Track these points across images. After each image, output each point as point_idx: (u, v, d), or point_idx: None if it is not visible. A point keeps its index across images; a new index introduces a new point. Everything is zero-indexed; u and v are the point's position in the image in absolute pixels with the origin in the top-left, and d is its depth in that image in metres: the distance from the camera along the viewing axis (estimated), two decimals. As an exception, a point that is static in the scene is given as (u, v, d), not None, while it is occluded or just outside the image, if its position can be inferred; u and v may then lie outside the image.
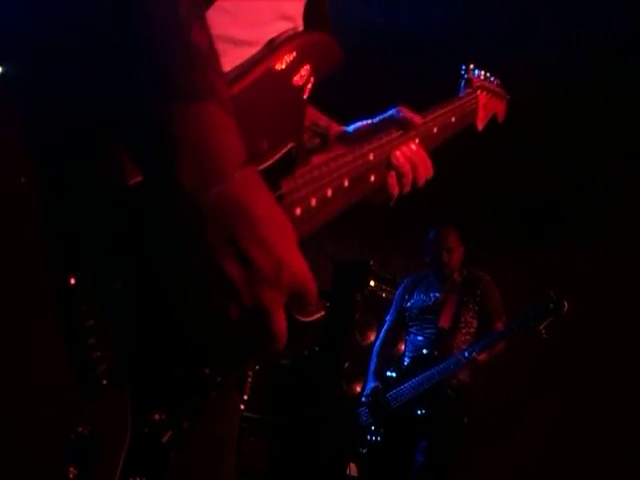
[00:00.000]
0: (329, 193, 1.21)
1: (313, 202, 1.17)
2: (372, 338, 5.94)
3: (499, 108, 1.97)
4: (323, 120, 1.52)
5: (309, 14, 1.31)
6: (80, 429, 0.92)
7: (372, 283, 6.31)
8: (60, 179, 0.89)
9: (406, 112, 1.48)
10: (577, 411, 6.26)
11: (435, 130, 1.53)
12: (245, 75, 1.10)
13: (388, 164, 1.41)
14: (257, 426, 5.75)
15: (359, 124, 1.51)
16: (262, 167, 1.10)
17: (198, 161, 0.86)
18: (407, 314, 5.11)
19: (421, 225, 5.51)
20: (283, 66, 1.16)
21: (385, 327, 5.30)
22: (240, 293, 0.90)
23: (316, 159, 1.22)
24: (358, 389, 5.69)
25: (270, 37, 1.16)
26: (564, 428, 6.27)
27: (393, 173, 1.43)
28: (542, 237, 6.95)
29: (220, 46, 1.09)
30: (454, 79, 1.88)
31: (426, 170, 1.50)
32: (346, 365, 6.00)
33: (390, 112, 1.50)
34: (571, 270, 6.49)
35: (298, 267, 0.95)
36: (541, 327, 4.30)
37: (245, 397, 1.42)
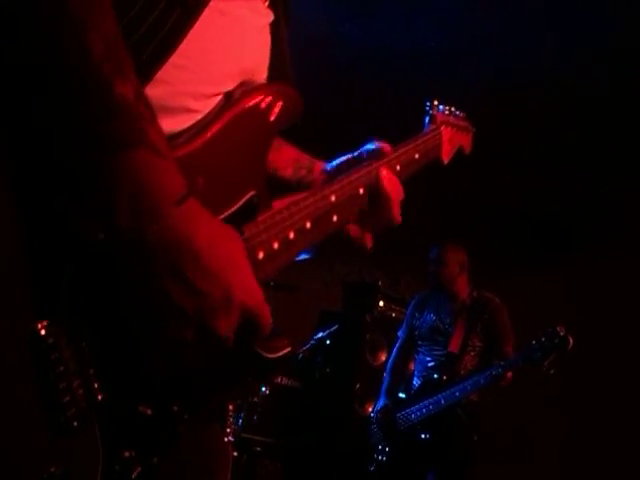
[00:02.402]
0: (291, 235, 1.26)
1: (275, 245, 1.23)
2: (383, 359, 5.97)
3: (464, 141, 2.02)
4: (305, 158, 1.57)
5: (272, 69, 1.37)
6: (52, 469, 0.98)
7: (381, 303, 6.36)
8: (31, 229, 0.96)
9: (379, 144, 1.54)
10: (589, 425, 6.24)
11: (398, 167, 1.57)
12: (211, 125, 1.15)
13: (370, 191, 1.46)
14: (271, 449, 5.77)
15: (338, 161, 1.55)
16: (224, 215, 1.16)
17: (133, 205, 0.92)
18: (417, 332, 5.15)
19: (430, 245, 5.55)
20: (262, 105, 1.22)
21: (398, 344, 5.33)
22: (193, 322, 0.96)
23: (278, 204, 1.27)
24: (370, 409, 5.70)
25: (228, 90, 1.21)
26: (577, 443, 6.25)
27: (357, 227, 1.47)
28: (550, 254, 6.96)
29: (179, 102, 1.16)
30: (445, 97, 1.95)
31: (400, 194, 1.53)
32: (357, 386, 6.03)
33: (366, 145, 1.56)
34: (579, 285, 6.50)
35: (249, 293, 1.01)
36: (546, 362, 4.32)
37: (228, 430, 1.47)
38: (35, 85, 0.90)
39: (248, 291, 1.01)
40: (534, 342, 4.39)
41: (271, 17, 1.38)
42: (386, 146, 1.55)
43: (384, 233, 1.53)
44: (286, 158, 1.51)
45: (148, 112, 0.97)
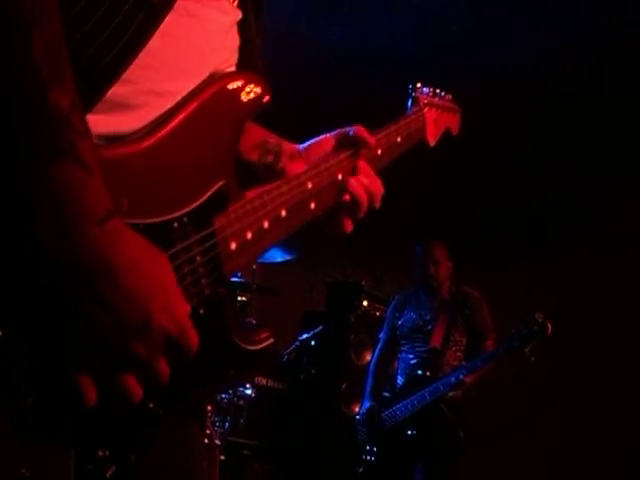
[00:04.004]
0: (266, 225, 1.23)
1: (249, 235, 1.20)
2: (368, 358, 5.96)
3: (452, 122, 1.97)
4: (272, 138, 1.51)
5: (241, 66, 1.35)
6: (23, 470, 0.95)
7: (365, 303, 6.36)
8: None
9: (361, 132, 1.49)
10: (577, 417, 6.27)
11: (380, 152, 1.54)
12: (174, 117, 1.13)
13: (339, 191, 1.42)
14: (258, 452, 5.76)
15: (312, 141, 1.51)
16: (192, 207, 1.13)
17: (53, 220, 0.89)
18: (398, 332, 5.14)
19: (412, 243, 5.55)
20: (230, 89, 1.20)
21: (379, 346, 5.33)
22: (108, 340, 0.92)
23: (250, 193, 1.24)
24: (357, 409, 5.69)
25: (194, 85, 1.19)
26: (564, 437, 6.27)
27: (345, 210, 1.43)
28: (529, 249, 6.99)
29: (143, 98, 1.14)
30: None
31: (378, 189, 1.48)
32: (343, 386, 6.03)
33: (345, 129, 1.51)
34: (560, 278, 6.53)
35: (171, 317, 0.97)
36: (526, 349, 4.34)
37: (207, 431, 1.44)
38: None
39: (170, 314, 0.97)
40: (513, 331, 4.42)
41: (239, 15, 1.36)
42: (361, 129, 1.50)
43: (362, 223, 1.50)
44: (252, 141, 1.44)
45: (81, 125, 0.94)
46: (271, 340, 1.27)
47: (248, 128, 1.40)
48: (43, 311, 0.92)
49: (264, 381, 5.86)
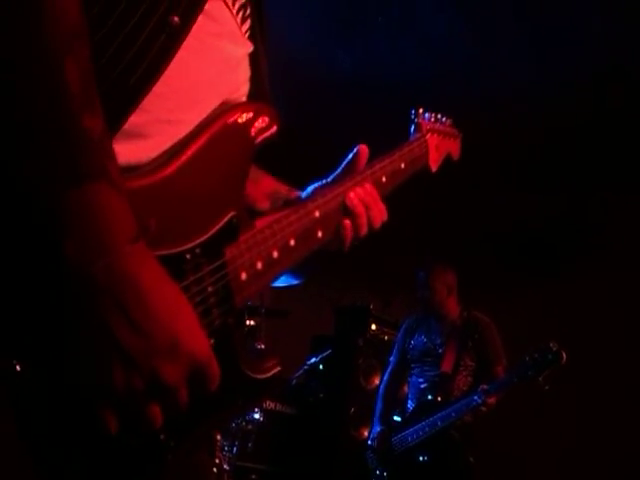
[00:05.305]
0: (275, 254, 1.25)
1: (259, 265, 1.21)
2: (376, 382, 5.94)
3: (453, 147, 2.01)
4: (283, 188, 1.55)
5: (251, 97, 1.37)
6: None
7: (374, 327, 6.35)
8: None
9: (360, 155, 1.53)
10: (586, 443, 6.21)
11: (384, 179, 1.56)
12: (187, 148, 1.14)
13: (342, 207, 1.45)
14: (266, 477, 5.72)
15: (312, 188, 1.53)
16: (204, 238, 1.14)
17: (84, 238, 0.90)
18: (409, 356, 5.13)
19: (419, 268, 5.54)
20: (241, 120, 1.22)
21: (389, 369, 5.31)
22: (137, 363, 0.91)
23: (260, 223, 1.26)
24: (365, 433, 5.68)
25: (205, 114, 1.20)
26: (573, 461, 6.21)
27: (346, 217, 1.45)
28: (538, 270, 6.97)
29: (156, 127, 1.15)
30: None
31: (380, 212, 1.52)
32: (352, 410, 6.00)
33: (346, 158, 1.55)
34: (569, 300, 6.50)
35: (197, 343, 0.96)
36: (540, 378, 4.30)
37: (217, 460, 1.44)
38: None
39: (196, 340, 0.97)
40: (527, 359, 4.37)
41: (250, 48, 1.38)
42: (363, 148, 1.54)
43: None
44: (264, 191, 1.49)
45: (111, 148, 0.96)
46: (278, 368, 1.28)
47: (260, 178, 1.43)
48: (71, 332, 0.91)
49: (272, 405, 5.84)
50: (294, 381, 6.16)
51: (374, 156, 1.58)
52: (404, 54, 5.29)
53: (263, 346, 4.88)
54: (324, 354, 6.15)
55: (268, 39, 1.51)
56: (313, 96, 5.45)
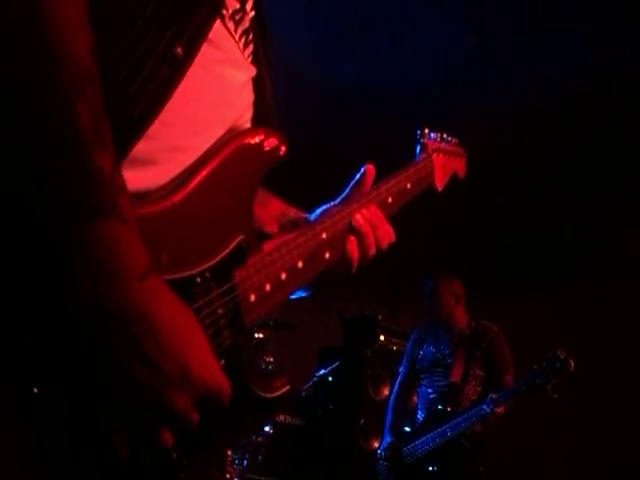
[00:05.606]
0: (283, 276, 1.28)
1: (267, 287, 1.24)
2: (386, 393, 5.95)
3: (458, 166, 2.03)
4: (292, 213, 1.57)
5: (256, 121, 1.39)
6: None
7: (382, 337, 6.36)
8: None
9: (367, 175, 1.56)
10: (596, 449, 6.20)
11: (390, 199, 1.59)
12: (196, 174, 1.17)
13: (349, 227, 1.47)
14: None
15: (320, 210, 1.55)
16: (214, 262, 1.17)
17: (95, 275, 0.92)
18: (418, 366, 5.14)
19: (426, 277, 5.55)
20: (253, 142, 1.25)
21: (398, 380, 5.32)
22: (147, 394, 0.95)
23: (268, 245, 1.29)
24: (375, 444, 5.66)
25: (214, 140, 1.23)
26: (584, 468, 6.20)
27: (353, 238, 1.47)
28: (547, 279, 6.97)
29: (164, 155, 1.18)
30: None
31: (387, 233, 1.54)
32: (362, 421, 6.01)
33: (354, 179, 1.58)
34: (577, 310, 6.50)
35: (207, 372, 1.01)
36: (549, 386, 4.30)
37: (227, 475, 1.46)
38: (11, 144, 0.92)
39: (207, 368, 1.01)
40: (535, 367, 4.37)
41: (254, 72, 1.40)
42: (369, 168, 1.57)
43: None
44: (272, 213, 1.51)
45: (121, 182, 0.98)
46: (287, 387, 1.30)
47: (267, 201, 1.46)
48: (84, 366, 0.95)
49: (282, 417, 5.86)
50: (303, 393, 6.17)
51: (378, 168, 1.60)
52: (406, 63, 5.31)
53: (272, 359, 4.91)
54: (333, 366, 6.16)
55: (272, 60, 1.54)
56: (315, 105, 5.47)
